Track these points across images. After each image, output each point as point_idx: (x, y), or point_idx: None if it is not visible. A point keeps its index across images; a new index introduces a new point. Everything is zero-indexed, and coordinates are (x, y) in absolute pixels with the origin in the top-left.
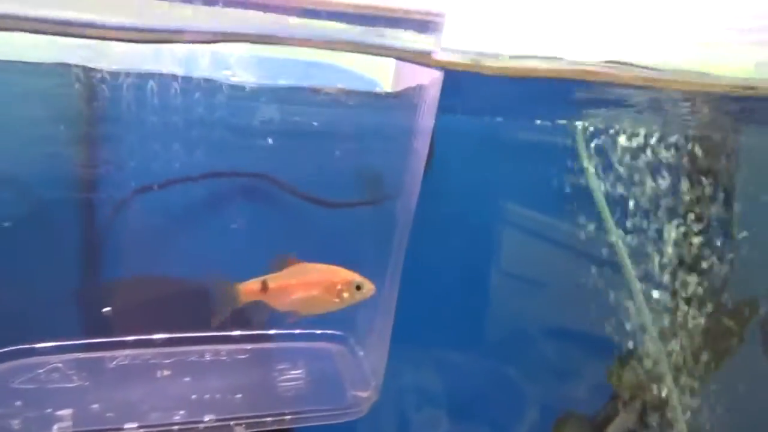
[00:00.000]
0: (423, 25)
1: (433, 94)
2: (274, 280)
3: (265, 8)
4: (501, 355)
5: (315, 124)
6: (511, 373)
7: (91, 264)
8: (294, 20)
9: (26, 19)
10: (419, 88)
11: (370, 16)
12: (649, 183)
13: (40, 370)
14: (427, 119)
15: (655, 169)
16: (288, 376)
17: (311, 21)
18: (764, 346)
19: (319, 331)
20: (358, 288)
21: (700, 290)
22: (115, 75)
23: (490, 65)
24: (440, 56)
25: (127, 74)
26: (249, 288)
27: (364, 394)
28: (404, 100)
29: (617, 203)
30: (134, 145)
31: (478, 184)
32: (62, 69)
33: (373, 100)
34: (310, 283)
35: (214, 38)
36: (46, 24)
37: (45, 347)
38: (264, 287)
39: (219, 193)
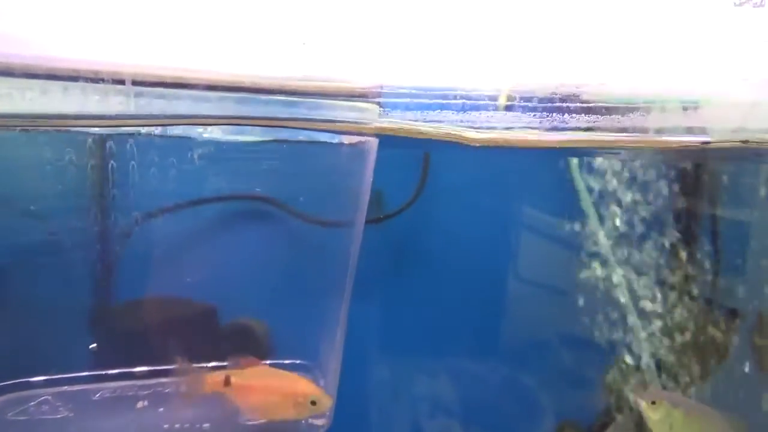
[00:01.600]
0: (362, 97)
1: (374, 145)
2: (238, 376)
3: (218, 89)
4: (501, 363)
5: (280, 170)
6: (510, 382)
7: (100, 292)
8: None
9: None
10: (365, 141)
11: (310, 93)
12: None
13: (32, 403)
14: (370, 163)
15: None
16: None
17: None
18: (754, 357)
19: (287, 361)
20: (313, 403)
21: (688, 300)
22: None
23: (425, 131)
24: (376, 124)
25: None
26: (213, 379)
27: (319, 423)
28: (356, 148)
29: (610, 219)
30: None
31: (472, 203)
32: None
33: (334, 148)
34: (272, 388)
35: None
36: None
37: (39, 381)
38: (227, 382)
39: (207, 219)
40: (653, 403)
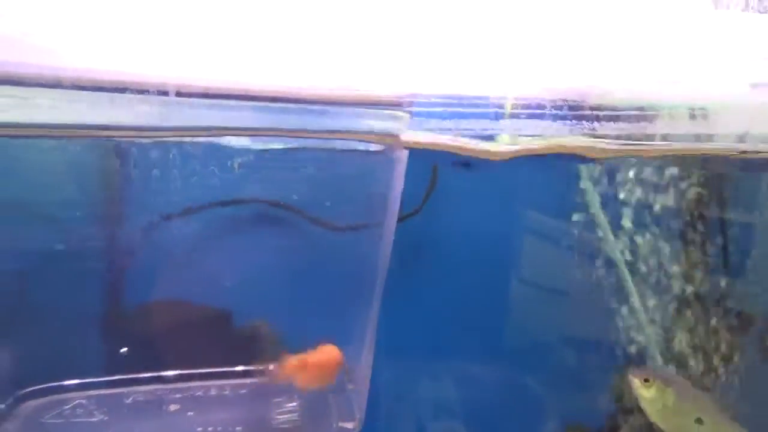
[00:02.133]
0: (391, 108)
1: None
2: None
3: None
4: (507, 366)
5: (310, 177)
6: (516, 384)
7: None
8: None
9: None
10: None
11: (341, 102)
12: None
13: (67, 406)
14: (400, 171)
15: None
16: (283, 409)
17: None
18: (764, 359)
19: None
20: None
21: (699, 303)
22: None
23: (453, 145)
24: (406, 136)
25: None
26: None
27: (350, 426)
28: (385, 154)
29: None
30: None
31: (480, 207)
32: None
33: (363, 155)
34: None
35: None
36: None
37: (72, 384)
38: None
39: (225, 222)
40: (646, 380)
